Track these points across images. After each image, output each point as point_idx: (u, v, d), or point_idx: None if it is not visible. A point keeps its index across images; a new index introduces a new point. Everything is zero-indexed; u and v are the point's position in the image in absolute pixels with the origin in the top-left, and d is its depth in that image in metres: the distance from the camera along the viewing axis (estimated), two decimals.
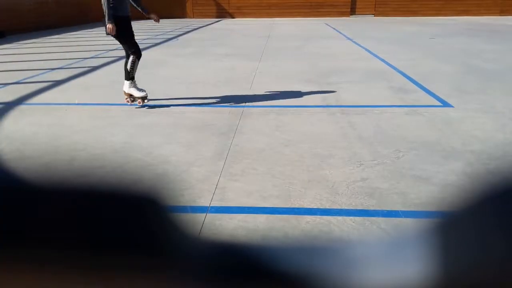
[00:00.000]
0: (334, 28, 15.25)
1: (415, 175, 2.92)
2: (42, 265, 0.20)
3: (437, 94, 5.21)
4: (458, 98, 4.97)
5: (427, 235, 0.20)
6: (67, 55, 9.08)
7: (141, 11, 4.87)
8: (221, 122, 4.23)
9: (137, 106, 4.75)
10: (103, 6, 4.34)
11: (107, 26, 4.37)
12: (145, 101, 4.76)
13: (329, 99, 5.09)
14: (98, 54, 9.21)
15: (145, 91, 4.76)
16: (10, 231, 0.20)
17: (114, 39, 4.60)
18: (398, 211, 2.46)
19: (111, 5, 4.34)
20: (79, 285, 0.20)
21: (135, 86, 4.72)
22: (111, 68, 7.53)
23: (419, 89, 5.54)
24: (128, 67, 4.66)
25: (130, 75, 4.68)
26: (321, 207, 2.52)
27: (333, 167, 3.09)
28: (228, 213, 2.50)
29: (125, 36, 4.57)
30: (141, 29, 15.55)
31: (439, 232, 0.20)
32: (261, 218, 2.43)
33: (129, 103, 4.76)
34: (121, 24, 4.45)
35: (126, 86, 4.72)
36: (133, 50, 4.63)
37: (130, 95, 4.74)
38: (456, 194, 0.20)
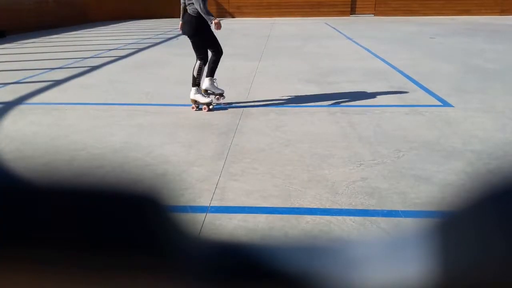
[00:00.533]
0: (334, 28, 15.24)
1: (415, 175, 2.92)
2: (42, 265, 0.20)
3: (437, 93, 5.21)
4: (458, 98, 4.97)
5: (427, 235, 0.20)
6: (67, 55, 9.07)
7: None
8: (221, 122, 4.23)
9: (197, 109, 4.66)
10: (199, 7, 4.25)
11: (214, 22, 4.33)
12: (210, 107, 4.63)
13: (329, 98, 5.08)
14: (98, 54, 9.21)
15: (210, 97, 4.68)
16: (10, 231, 0.20)
17: (189, 39, 4.52)
18: (398, 211, 2.46)
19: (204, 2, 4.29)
20: (79, 285, 0.20)
21: (200, 93, 4.63)
22: (111, 68, 7.53)
23: (419, 88, 5.54)
24: (195, 73, 4.59)
25: (196, 81, 4.59)
26: (321, 207, 2.52)
27: (333, 167, 3.09)
28: (228, 213, 2.50)
29: (204, 38, 4.51)
30: (141, 29, 15.56)
31: (439, 232, 0.20)
32: (261, 218, 2.43)
33: (194, 110, 4.64)
34: (206, 25, 4.42)
35: (192, 92, 4.63)
36: (202, 56, 4.56)
37: (195, 101, 4.63)
38: (456, 194, 0.20)
